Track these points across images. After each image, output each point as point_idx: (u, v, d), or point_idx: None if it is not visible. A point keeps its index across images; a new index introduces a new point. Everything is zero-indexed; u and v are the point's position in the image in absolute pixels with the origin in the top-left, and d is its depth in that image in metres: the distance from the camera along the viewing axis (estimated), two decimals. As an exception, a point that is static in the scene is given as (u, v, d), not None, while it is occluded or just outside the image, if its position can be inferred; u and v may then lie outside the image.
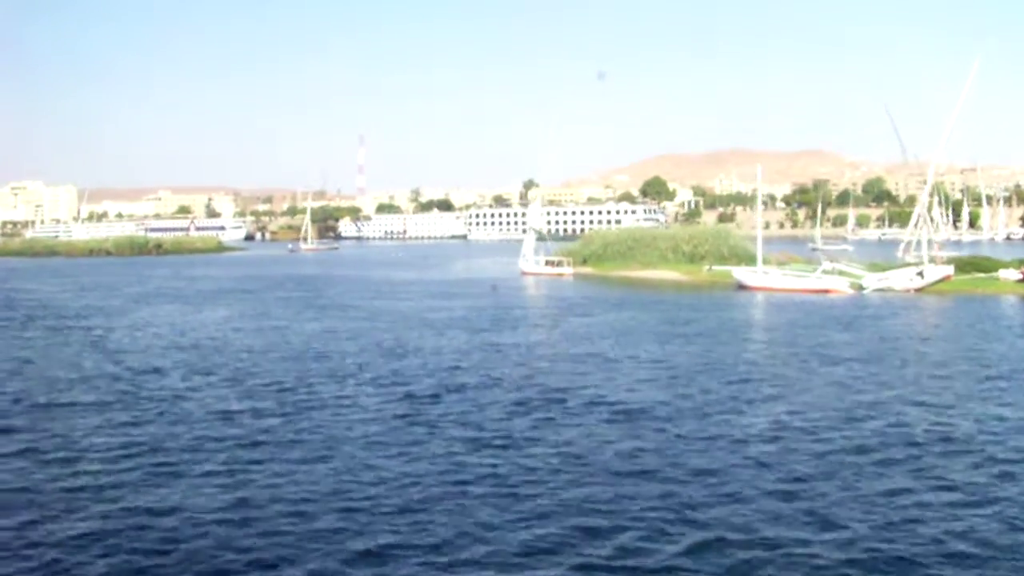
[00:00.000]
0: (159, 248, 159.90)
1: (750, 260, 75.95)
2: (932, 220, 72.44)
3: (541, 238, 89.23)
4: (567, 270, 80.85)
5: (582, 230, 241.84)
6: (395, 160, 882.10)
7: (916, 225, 76.35)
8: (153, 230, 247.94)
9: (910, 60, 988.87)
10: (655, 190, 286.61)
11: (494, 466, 18.42)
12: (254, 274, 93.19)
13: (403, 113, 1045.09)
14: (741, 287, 66.19)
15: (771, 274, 67.22)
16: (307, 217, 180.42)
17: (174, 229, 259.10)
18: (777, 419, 22.66)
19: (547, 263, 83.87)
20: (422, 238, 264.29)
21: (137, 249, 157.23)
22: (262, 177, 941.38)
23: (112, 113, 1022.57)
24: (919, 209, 79.50)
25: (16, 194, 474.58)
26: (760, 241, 69.97)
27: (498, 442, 20.46)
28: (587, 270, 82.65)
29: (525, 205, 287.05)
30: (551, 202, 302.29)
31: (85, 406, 24.57)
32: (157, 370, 30.73)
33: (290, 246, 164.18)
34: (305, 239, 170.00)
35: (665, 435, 21.06)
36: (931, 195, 72.34)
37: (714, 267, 72.82)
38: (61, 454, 19.36)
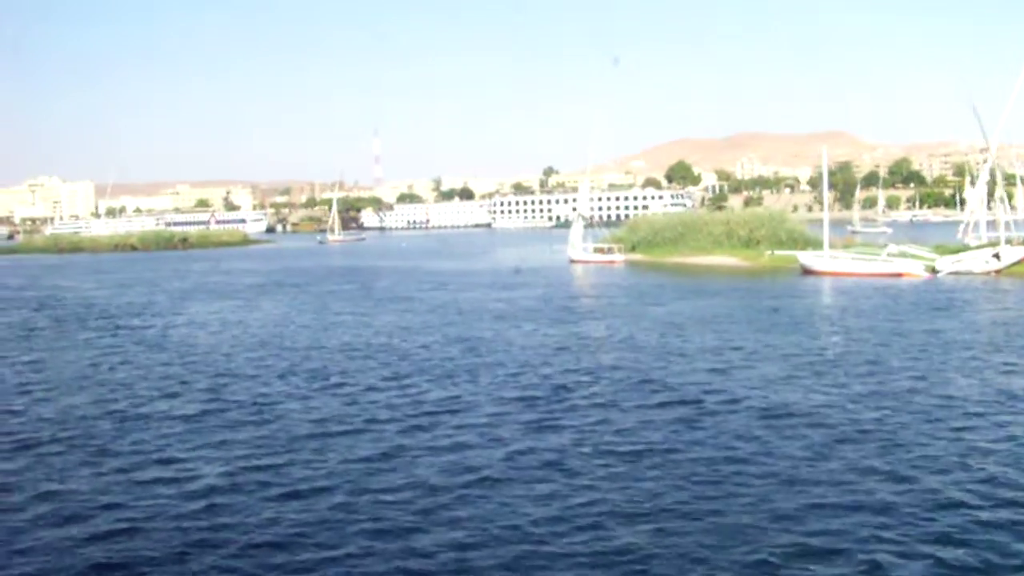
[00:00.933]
0: (185, 242, 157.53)
1: (808, 244, 73.40)
2: (1003, 201, 69.00)
3: (589, 225, 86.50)
4: (618, 257, 78.06)
5: (611, 216, 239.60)
6: (408, 151, 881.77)
7: (984, 207, 73.26)
8: (174, 224, 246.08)
9: (913, 47, 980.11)
10: (680, 175, 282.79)
11: (680, 489, 15.67)
12: (292, 267, 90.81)
13: (414, 104, 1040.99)
14: (807, 272, 63.43)
15: (839, 258, 64.37)
16: (334, 208, 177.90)
17: (195, 223, 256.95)
18: (993, 421, 19.87)
19: (596, 250, 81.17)
20: (445, 227, 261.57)
21: (163, 243, 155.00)
22: (276, 170, 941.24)
23: (124, 108, 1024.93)
24: (979, 190, 77.27)
25: (33, 191, 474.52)
26: (827, 224, 67.09)
27: (664, 456, 17.72)
28: (637, 257, 79.85)
29: (549, 192, 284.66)
30: (573, 189, 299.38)
31: (177, 420, 21.93)
32: (236, 374, 28.16)
33: (319, 238, 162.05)
34: (333, 230, 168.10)
35: (873, 448, 18.04)
36: (963, 175, 69.85)
37: (776, 252, 70.01)
38: (182, 487, 16.60)
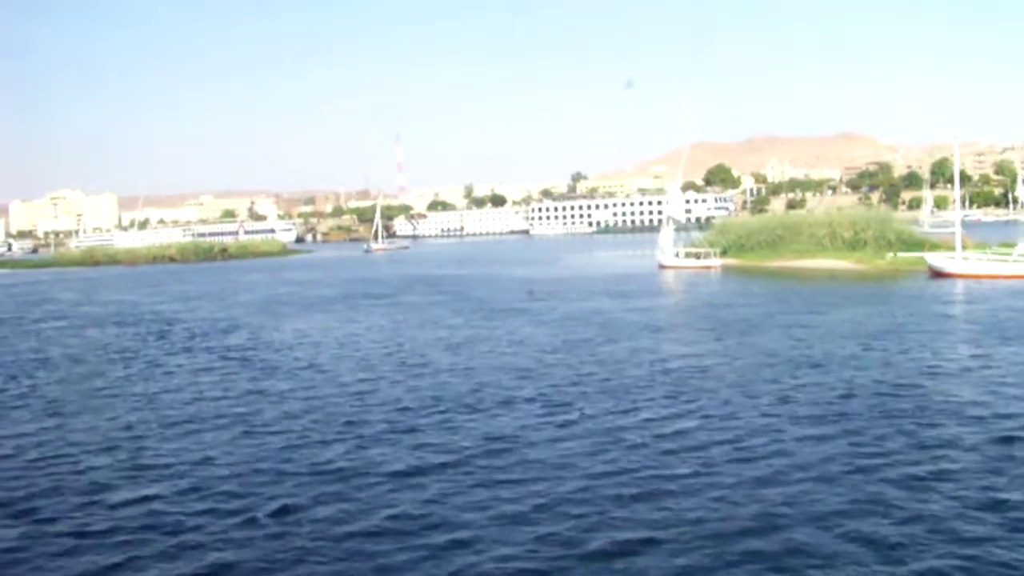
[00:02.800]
0: (224, 253, 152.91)
1: (919, 246, 68.55)
2: None
3: (680, 228, 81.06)
4: (714, 262, 72.52)
5: (652, 221, 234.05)
6: (427, 159, 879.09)
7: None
8: (202, 235, 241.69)
9: (922, 47, 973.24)
10: (719, 178, 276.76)
11: None
12: (357, 276, 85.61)
13: (429, 112, 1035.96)
14: (936, 274, 58.09)
15: (972, 260, 58.95)
16: (377, 217, 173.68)
17: (223, 233, 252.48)
18: None
19: (688, 255, 75.74)
20: (480, 234, 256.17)
21: (202, 255, 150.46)
22: (296, 180, 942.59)
23: (143, 121, 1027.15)
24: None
25: (55, 204, 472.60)
26: (959, 224, 61.83)
27: None
28: (731, 261, 74.35)
29: (587, 197, 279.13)
30: (609, 194, 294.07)
31: (395, 479, 16.70)
32: (411, 407, 22.96)
33: (364, 247, 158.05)
34: (376, 238, 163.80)
35: None
36: (1004, 174, 64.40)
37: (899, 254, 64.74)
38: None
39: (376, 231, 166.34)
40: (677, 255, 75.71)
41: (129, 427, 22.03)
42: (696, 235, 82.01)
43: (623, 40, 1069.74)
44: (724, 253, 75.64)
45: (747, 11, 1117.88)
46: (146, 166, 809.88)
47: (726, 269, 71.47)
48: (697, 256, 74.48)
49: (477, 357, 31.22)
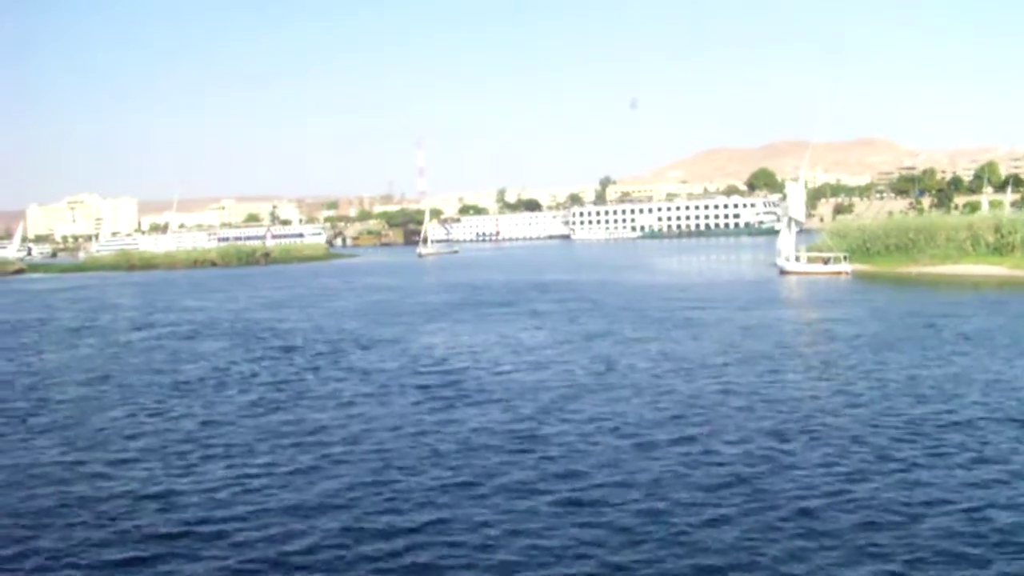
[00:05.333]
0: (267, 257, 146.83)
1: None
2: None
3: (803, 231, 74.07)
4: (844, 267, 65.74)
5: (697, 226, 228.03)
6: (443, 164, 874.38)
7: None
8: (228, 239, 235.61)
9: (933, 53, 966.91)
10: (763, 182, 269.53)
11: None
12: (446, 281, 78.61)
13: (447, 118, 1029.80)
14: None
15: None
16: (426, 221, 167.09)
17: (249, 237, 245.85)
18: None
19: (813, 260, 68.98)
20: (516, 239, 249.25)
21: (244, 259, 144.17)
22: (313, 184, 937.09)
23: (161, 125, 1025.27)
24: None
25: (73, 208, 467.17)
26: None
27: None
28: (859, 267, 67.51)
29: (619, 201, 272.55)
30: (648, 198, 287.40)
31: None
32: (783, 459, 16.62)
33: (419, 251, 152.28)
34: (426, 243, 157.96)
35: None
36: None
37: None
38: None
39: (424, 236, 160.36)
40: (798, 259, 69.06)
41: (394, 486, 15.65)
42: (810, 239, 75.08)
43: (634, 44, 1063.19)
44: (846, 258, 68.86)
45: (761, 16, 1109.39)
46: (174, 170, 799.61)
47: (856, 275, 64.85)
48: (824, 261, 67.70)
49: (746, 380, 24.84)
